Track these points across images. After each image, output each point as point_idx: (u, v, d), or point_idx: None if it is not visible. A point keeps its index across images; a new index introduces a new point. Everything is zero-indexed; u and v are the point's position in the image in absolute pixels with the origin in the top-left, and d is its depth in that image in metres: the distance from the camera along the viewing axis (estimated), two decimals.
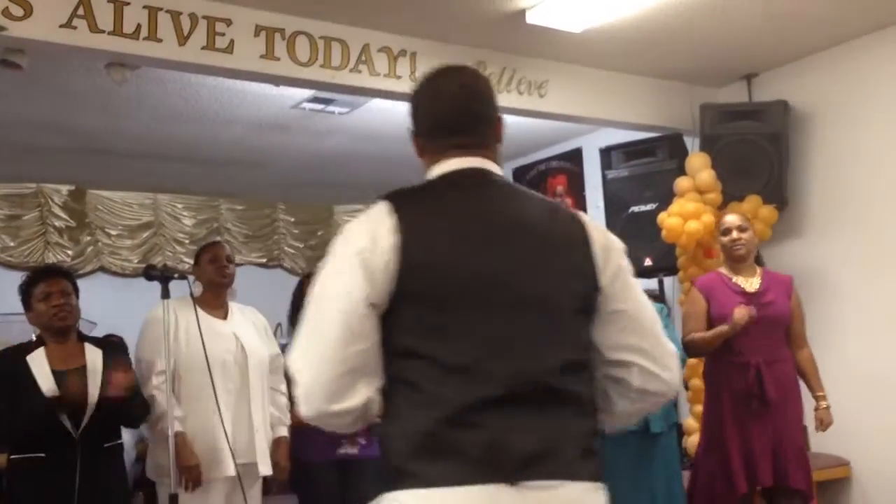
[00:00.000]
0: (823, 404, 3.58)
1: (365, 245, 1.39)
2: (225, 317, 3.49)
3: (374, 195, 1.54)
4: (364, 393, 1.38)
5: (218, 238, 6.98)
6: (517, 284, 1.43)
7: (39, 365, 3.01)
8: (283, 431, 3.53)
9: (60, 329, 3.09)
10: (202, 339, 3.12)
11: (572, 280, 1.49)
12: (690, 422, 4.74)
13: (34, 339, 3.19)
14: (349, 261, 1.39)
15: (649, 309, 1.57)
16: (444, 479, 1.33)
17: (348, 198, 7.87)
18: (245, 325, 3.51)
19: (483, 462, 1.32)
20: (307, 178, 7.14)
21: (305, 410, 1.41)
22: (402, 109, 1.72)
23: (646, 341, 1.54)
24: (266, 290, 5.41)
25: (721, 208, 4.76)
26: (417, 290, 1.39)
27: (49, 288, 3.09)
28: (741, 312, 3.38)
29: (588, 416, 1.46)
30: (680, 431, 4.52)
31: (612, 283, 1.52)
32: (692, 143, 5.14)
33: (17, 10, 3.33)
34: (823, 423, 3.59)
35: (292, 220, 8.26)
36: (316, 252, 7.86)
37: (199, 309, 3.29)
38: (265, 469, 3.38)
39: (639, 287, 1.59)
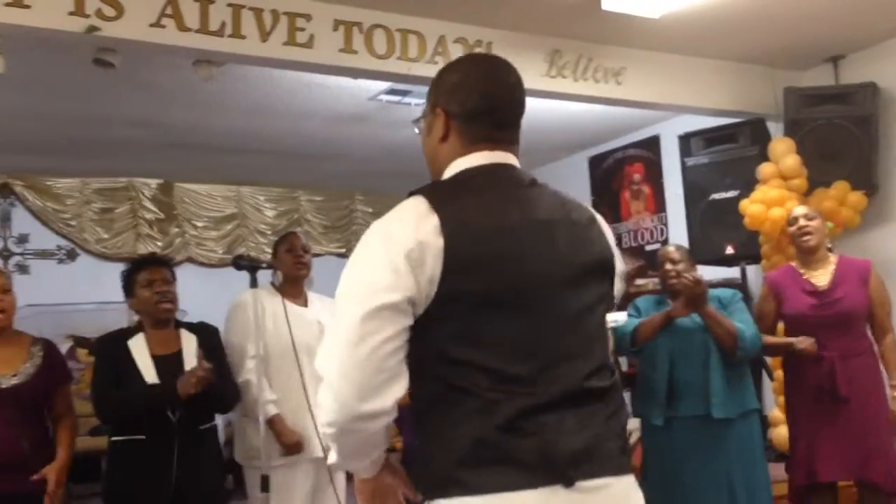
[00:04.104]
0: (895, 394, 3.44)
1: (412, 247, 1.34)
2: (305, 305, 3.60)
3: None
4: (397, 392, 1.34)
5: (294, 229, 7.13)
6: (561, 285, 1.41)
7: (140, 350, 3.11)
8: None
9: (164, 315, 3.17)
10: (289, 326, 3.21)
11: (601, 277, 1.49)
12: (776, 413, 4.62)
13: (129, 325, 3.29)
14: (393, 261, 1.33)
15: None
16: (496, 486, 1.29)
17: None
18: (325, 314, 3.58)
19: (536, 466, 1.30)
20: (384, 169, 7.22)
21: (335, 414, 1.34)
22: None
23: None
24: None
25: (807, 194, 4.64)
26: (465, 295, 1.35)
27: (151, 275, 3.18)
28: (805, 344, 3.36)
29: (620, 412, 1.47)
30: (765, 421, 4.42)
31: (618, 280, 1.55)
32: (774, 128, 5.01)
33: (109, 11, 3.48)
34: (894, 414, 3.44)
35: (370, 210, 8.36)
36: None
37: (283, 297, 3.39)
38: None
39: None
